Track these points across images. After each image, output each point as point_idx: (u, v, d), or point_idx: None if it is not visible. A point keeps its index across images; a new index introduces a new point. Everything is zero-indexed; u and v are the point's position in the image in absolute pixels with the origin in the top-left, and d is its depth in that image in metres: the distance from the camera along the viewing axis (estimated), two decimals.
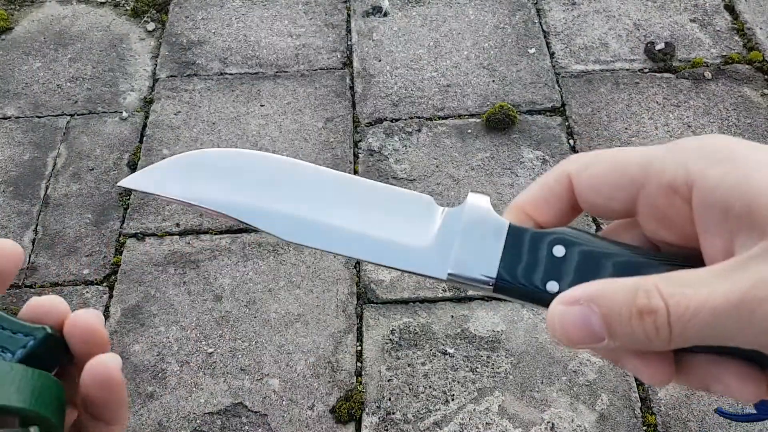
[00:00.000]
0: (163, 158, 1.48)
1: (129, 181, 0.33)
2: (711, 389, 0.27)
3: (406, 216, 0.32)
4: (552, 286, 0.29)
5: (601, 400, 1.15)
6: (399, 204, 0.32)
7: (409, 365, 1.20)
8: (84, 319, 0.29)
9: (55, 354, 0.29)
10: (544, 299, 0.29)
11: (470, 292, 1.27)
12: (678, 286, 0.24)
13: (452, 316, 1.24)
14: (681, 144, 0.27)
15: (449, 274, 0.30)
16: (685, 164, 0.26)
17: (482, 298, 1.27)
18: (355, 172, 1.45)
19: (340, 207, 0.32)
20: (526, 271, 0.29)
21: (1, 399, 0.24)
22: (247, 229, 1.37)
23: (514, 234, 0.30)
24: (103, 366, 0.27)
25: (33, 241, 1.37)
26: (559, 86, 1.58)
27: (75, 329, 0.29)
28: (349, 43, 1.69)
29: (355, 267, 1.31)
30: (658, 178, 0.27)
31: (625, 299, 0.25)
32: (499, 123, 1.49)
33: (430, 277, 0.30)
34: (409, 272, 0.31)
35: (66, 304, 0.30)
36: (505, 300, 0.30)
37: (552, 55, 1.64)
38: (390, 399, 1.16)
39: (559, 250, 0.29)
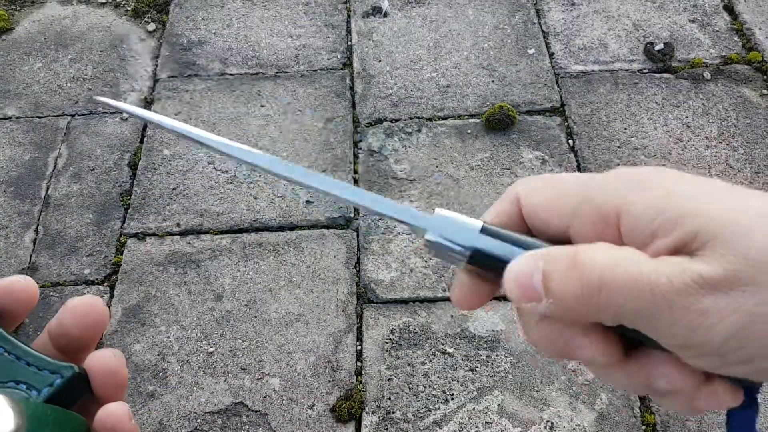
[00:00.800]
0: (164, 159, 1.48)
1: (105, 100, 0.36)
2: (653, 384, 0.28)
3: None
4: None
5: (600, 399, 1.15)
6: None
7: (408, 365, 1.20)
8: (108, 360, 0.30)
9: (78, 391, 0.29)
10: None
11: None
12: (619, 252, 0.26)
13: (452, 316, 1.25)
14: (616, 174, 0.28)
15: (429, 239, 0.30)
16: (616, 194, 0.27)
17: None
18: (355, 172, 1.46)
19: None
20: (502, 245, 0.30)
21: None
22: (248, 229, 1.38)
23: (487, 230, 0.31)
24: (114, 417, 0.28)
25: (34, 241, 1.37)
26: (558, 86, 1.58)
27: (98, 369, 0.29)
28: (349, 43, 1.69)
29: (355, 267, 1.31)
30: (589, 209, 0.28)
31: (566, 254, 0.26)
32: (499, 123, 1.50)
33: (412, 226, 0.31)
34: (392, 218, 0.31)
35: (102, 303, 0.31)
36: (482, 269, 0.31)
37: (551, 55, 1.65)
38: (390, 398, 1.16)
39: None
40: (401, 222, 0.31)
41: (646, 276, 0.25)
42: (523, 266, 0.27)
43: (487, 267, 0.30)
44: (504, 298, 1.27)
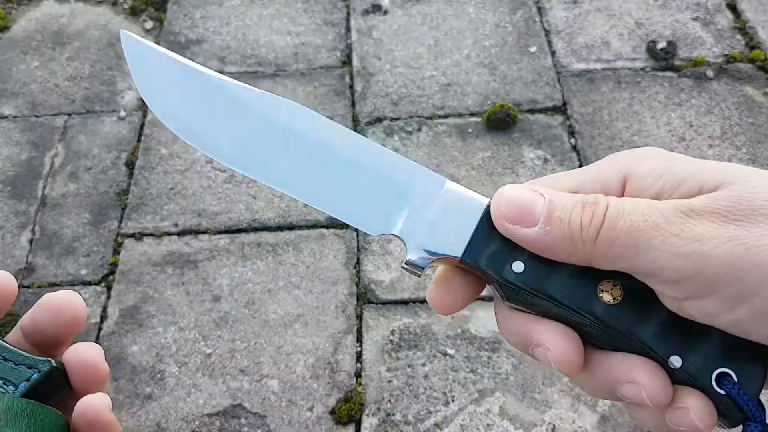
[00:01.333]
0: (162, 158, 1.47)
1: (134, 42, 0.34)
2: (617, 390, 0.28)
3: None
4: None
5: (603, 401, 1.14)
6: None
7: (409, 366, 1.19)
8: (86, 354, 0.29)
9: (56, 385, 0.29)
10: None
11: None
12: (622, 198, 0.27)
13: (452, 317, 1.24)
14: (611, 156, 0.29)
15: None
16: (616, 167, 0.28)
17: (482, 299, 1.26)
18: None
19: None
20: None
21: None
22: (246, 229, 1.37)
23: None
24: (93, 408, 0.27)
25: (30, 241, 1.36)
26: (560, 85, 1.57)
27: (76, 363, 0.29)
28: (348, 41, 1.68)
29: (355, 267, 1.30)
30: (593, 184, 0.29)
31: (577, 198, 0.28)
32: (500, 122, 1.48)
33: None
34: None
35: (80, 299, 0.30)
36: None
37: (553, 53, 1.63)
38: (390, 400, 1.15)
39: None
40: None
41: (642, 208, 0.26)
42: (523, 193, 0.28)
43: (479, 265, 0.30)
44: None
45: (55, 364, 0.28)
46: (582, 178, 0.29)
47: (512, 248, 0.29)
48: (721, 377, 0.27)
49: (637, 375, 0.27)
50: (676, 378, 0.27)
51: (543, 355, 0.28)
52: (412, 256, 0.31)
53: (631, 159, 0.28)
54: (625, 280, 0.28)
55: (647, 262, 0.25)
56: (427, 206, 0.32)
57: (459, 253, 0.30)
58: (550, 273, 0.29)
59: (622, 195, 0.28)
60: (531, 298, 0.30)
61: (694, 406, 0.26)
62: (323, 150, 0.32)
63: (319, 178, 0.32)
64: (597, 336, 0.29)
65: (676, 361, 0.27)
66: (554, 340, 0.28)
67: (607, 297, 0.28)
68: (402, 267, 0.31)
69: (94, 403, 0.27)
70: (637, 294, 0.28)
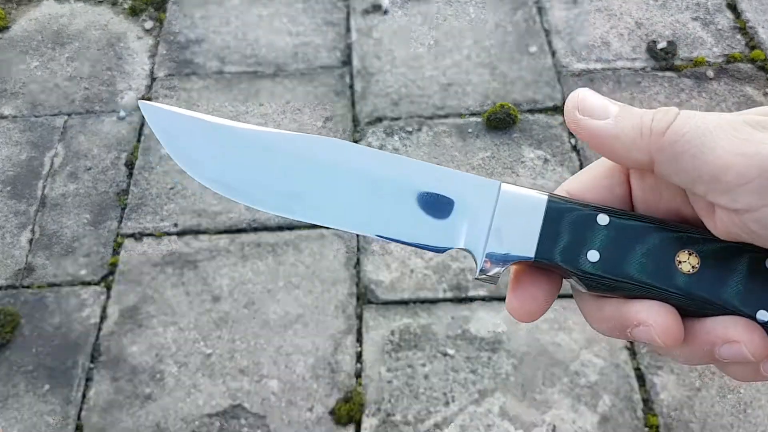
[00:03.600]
0: (161, 158, 1.46)
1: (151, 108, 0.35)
2: (716, 353, 0.28)
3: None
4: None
5: (603, 401, 1.14)
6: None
7: (409, 366, 1.19)
8: None
9: None
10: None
11: (470, 293, 1.26)
12: (695, 112, 0.28)
13: (453, 317, 1.24)
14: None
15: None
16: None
17: (483, 299, 1.26)
18: None
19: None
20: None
21: None
22: (246, 229, 1.37)
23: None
24: None
25: (30, 242, 1.36)
26: (560, 85, 1.57)
27: None
28: (348, 41, 1.68)
29: (355, 267, 1.30)
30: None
31: (648, 111, 0.29)
32: (500, 122, 1.48)
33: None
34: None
35: None
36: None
37: (553, 53, 1.63)
38: (390, 400, 1.15)
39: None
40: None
41: (711, 119, 0.26)
42: (596, 98, 0.30)
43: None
44: (504, 299, 1.26)
45: None
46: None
47: (584, 238, 0.30)
48: None
49: (734, 334, 0.27)
50: (766, 331, 0.29)
51: (645, 333, 0.29)
52: (484, 266, 0.31)
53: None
54: (700, 245, 0.29)
55: (711, 160, 0.26)
56: (486, 213, 0.31)
57: (532, 254, 0.30)
58: (626, 255, 0.29)
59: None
60: (613, 283, 0.30)
61: None
62: (366, 178, 0.32)
63: (369, 206, 0.32)
64: (683, 305, 0.29)
65: (763, 315, 0.28)
66: (654, 316, 0.28)
67: (686, 267, 0.29)
68: (476, 279, 0.31)
69: None
70: (715, 257, 0.29)
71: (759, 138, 0.25)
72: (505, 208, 0.31)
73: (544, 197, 0.31)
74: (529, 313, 0.31)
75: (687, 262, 0.29)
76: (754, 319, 0.28)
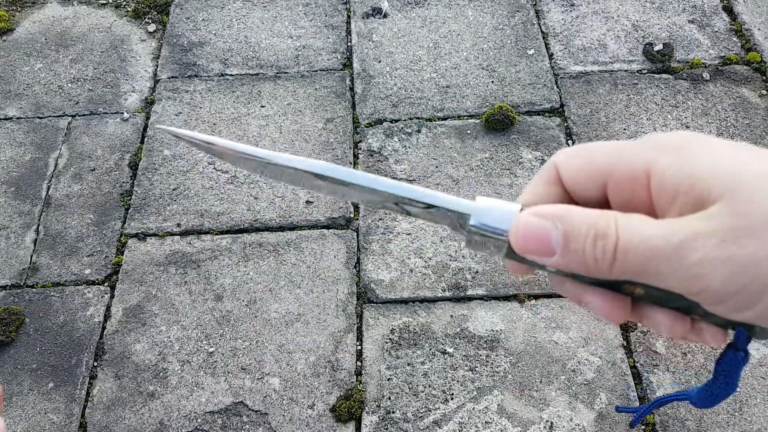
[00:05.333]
0: (165, 159, 1.48)
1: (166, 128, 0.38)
2: (654, 330, 0.32)
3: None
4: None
5: (600, 399, 1.16)
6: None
7: (408, 364, 1.20)
8: None
9: None
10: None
11: (469, 292, 1.27)
12: (631, 222, 0.29)
13: (452, 316, 1.25)
14: (646, 139, 0.30)
15: (472, 225, 0.32)
16: (644, 156, 0.30)
17: (481, 298, 1.27)
18: None
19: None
20: None
21: None
22: (248, 229, 1.38)
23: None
24: None
25: (35, 242, 1.37)
26: (558, 87, 1.59)
27: None
28: (349, 44, 1.69)
29: (355, 267, 1.32)
30: (621, 170, 0.30)
31: (588, 222, 0.29)
32: (499, 124, 1.50)
33: (457, 213, 0.33)
34: (439, 207, 0.33)
35: None
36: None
37: (551, 56, 1.65)
38: (390, 398, 1.17)
39: None
40: (448, 210, 0.33)
41: (647, 239, 0.28)
42: (539, 225, 0.30)
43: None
44: (505, 298, 1.27)
45: None
46: (619, 150, 0.31)
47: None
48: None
49: (661, 317, 0.32)
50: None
51: (591, 309, 0.33)
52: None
53: (656, 151, 0.30)
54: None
55: (658, 283, 0.29)
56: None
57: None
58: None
59: (648, 186, 0.30)
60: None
61: (705, 329, 0.32)
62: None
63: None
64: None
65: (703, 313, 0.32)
66: (597, 300, 0.32)
67: (631, 290, 0.32)
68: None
69: None
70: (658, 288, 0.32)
71: (692, 260, 0.27)
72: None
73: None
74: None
75: (632, 290, 0.32)
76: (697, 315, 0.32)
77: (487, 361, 1.20)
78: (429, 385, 1.18)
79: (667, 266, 0.27)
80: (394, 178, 1.44)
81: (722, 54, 1.63)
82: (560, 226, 0.29)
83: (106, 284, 1.31)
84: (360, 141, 1.51)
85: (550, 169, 0.33)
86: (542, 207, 0.31)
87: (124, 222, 1.39)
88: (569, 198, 0.33)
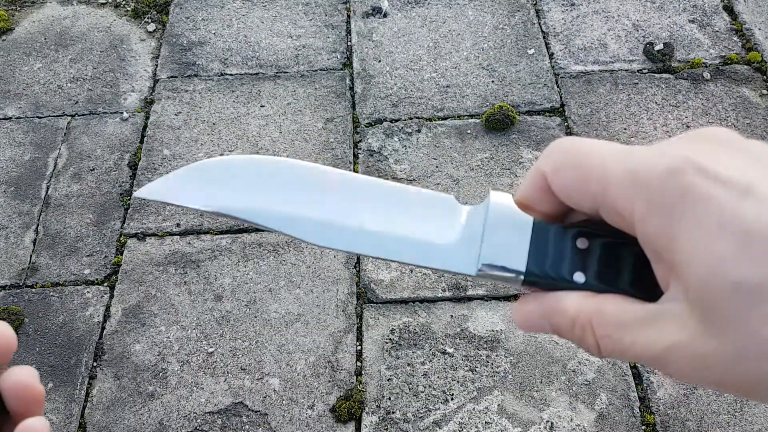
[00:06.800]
0: (164, 159, 1.48)
1: (146, 192, 0.31)
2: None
3: (430, 216, 0.32)
4: (578, 277, 0.30)
5: (600, 399, 1.15)
6: (422, 204, 0.33)
7: (408, 365, 1.20)
8: (20, 377, 0.29)
9: None
10: (571, 290, 0.31)
11: (469, 292, 1.27)
12: (608, 327, 0.28)
13: (452, 316, 1.25)
14: (640, 176, 0.28)
15: (479, 270, 0.31)
16: (632, 205, 0.28)
17: (482, 298, 1.27)
18: (355, 173, 1.46)
19: (364, 209, 0.32)
20: (554, 264, 0.31)
21: None
22: (248, 230, 1.38)
23: (539, 229, 0.31)
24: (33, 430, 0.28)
25: (34, 241, 1.37)
26: (558, 87, 1.58)
27: (11, 386, 0.28)
28: (349, 43, 1.69)
29: (355, 267, 1.31)
30: (608, 205, 0.29)
31: (567, 327, 0.30)
32: (499, 123, 1.50)
33: (459, 274, 0.31)
34: (438, 270, 0.31)
35: (7, 327, 0.29)
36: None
37: (551, 55, 1.65)
38: (390, 398, 1.16)
39: (582, 243, 0.30)
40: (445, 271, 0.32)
41: (629, 349, 0.28)
42: (531, 322, 0.31)
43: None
44: (505, 298, 1.27)
45: None
46: (608, 175, 0.29)
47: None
48: None
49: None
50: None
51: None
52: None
53: (641, 208, 0.28)
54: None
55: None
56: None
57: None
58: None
59: (634, 228, 0.29)
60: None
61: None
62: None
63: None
64: None
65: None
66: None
67: None
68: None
69: (33, 427, 0.27)
70: None
71: (632, 336, 0.28)
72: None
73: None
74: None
75: None
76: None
77: (488, 362, 1.20)
78: (429, 386, 1.17)
79: (632, 345, 0.28)
80: (394, 178, 1.44)
81: (723, 54, 1.63)
82: (547, 326, 0.31)
83: (106, 284, 1.31)
84: (360, 141, 1.50)
85: (540, 178, 0.31)
86: (528, 305, 0.31)
87: (123, 222, 1.39)
88: (563, 204, 0.32)
